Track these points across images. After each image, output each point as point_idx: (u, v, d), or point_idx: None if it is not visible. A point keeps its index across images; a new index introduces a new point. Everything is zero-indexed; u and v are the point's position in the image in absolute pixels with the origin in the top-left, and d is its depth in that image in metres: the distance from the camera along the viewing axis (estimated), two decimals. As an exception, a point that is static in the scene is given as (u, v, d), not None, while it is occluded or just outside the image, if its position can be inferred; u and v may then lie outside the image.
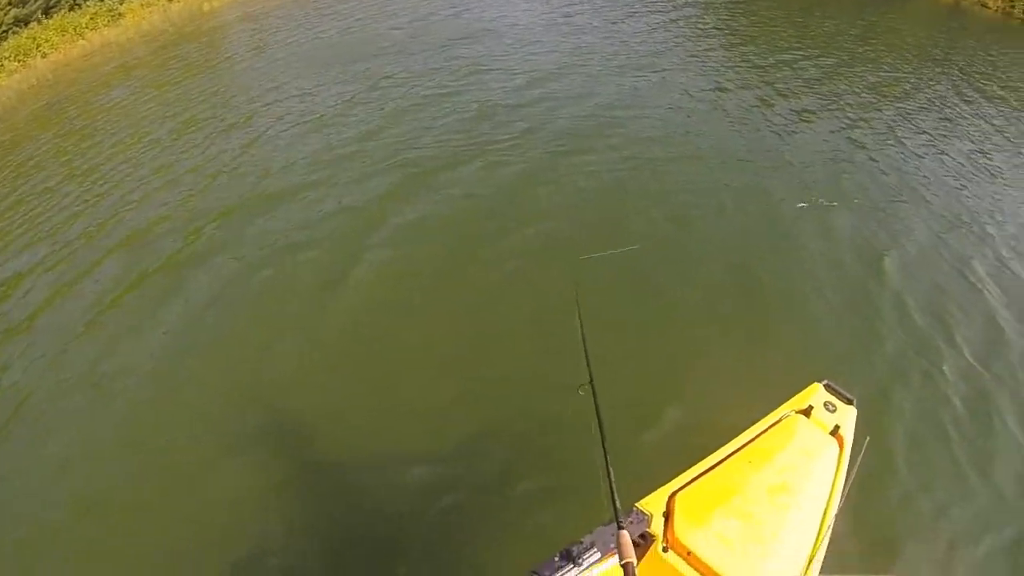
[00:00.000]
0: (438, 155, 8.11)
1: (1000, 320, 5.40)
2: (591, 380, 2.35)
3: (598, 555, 2.32)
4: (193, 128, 10.12)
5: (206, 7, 18.18)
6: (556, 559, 2.28)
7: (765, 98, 9.50)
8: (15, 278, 7.07)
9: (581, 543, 2.34)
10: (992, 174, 7.80)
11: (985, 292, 5.70)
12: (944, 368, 4.86)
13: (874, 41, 12.33)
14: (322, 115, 9.85)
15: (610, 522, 2.49)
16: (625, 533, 2.17)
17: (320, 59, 12.43)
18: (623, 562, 2.07)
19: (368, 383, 4.96)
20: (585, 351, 2.45)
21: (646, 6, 14.23)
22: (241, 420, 4.80)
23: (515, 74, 10.59)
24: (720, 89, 9.86)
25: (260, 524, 4.09)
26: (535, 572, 2.22)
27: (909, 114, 9.18)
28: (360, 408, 4.75)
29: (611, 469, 2.06)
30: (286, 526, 4.08)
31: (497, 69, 10.91)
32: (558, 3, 14.69)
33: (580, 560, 2.27)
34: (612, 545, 2.39)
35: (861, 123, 8.83)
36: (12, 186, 9.34)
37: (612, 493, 2.07)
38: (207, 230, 7.26)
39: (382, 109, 9.79)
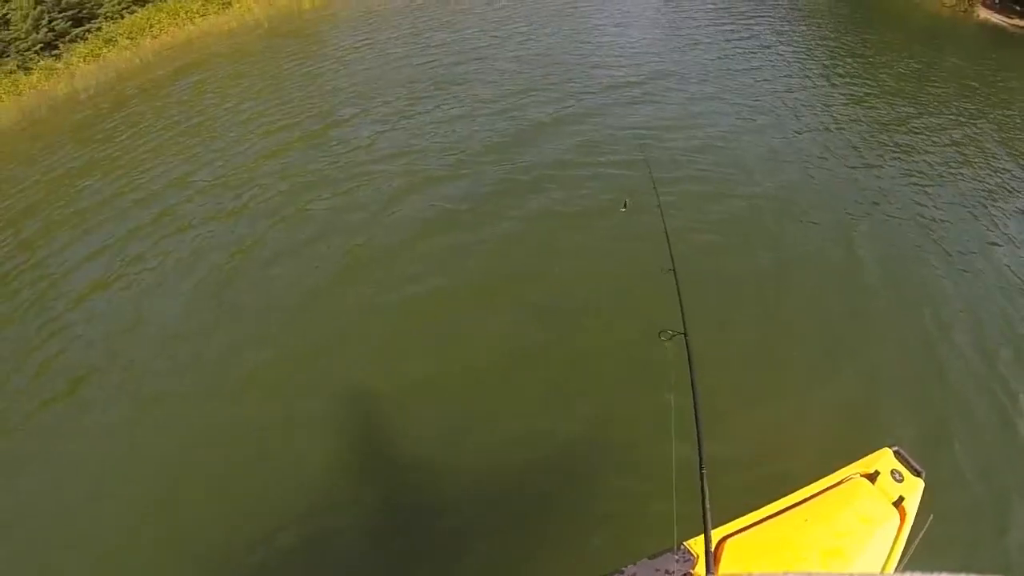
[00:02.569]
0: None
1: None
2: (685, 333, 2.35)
3: None
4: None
5: (306, 4, 18.85)
6: None
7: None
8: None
9: (622, 573, 2.31)
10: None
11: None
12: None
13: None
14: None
15: (656, 556, 2.45)
16: None
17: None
18: None
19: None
20: (680, 305, 2.43)
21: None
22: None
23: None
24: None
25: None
26: None
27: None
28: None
29: (706, 494, 2.01)
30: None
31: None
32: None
33: None
34: (654, 581, 2.36)
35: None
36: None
37: (707, 532, 1.97)
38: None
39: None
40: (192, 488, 4.66)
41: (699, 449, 2.23)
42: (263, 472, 4.67)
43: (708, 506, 1.99)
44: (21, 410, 5.54)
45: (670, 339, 2.55)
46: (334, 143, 9.69)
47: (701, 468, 2.24)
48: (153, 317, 6.46)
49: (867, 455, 3.15)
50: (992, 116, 9.87)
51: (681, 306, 2.64)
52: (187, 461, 4.87)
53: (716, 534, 2.61)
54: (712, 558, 2.18)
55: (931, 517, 2.94)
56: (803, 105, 10.25)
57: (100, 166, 9.67)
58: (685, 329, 2.44)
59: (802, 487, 2.92)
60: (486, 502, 4.16)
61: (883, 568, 2.74)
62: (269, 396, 5.36)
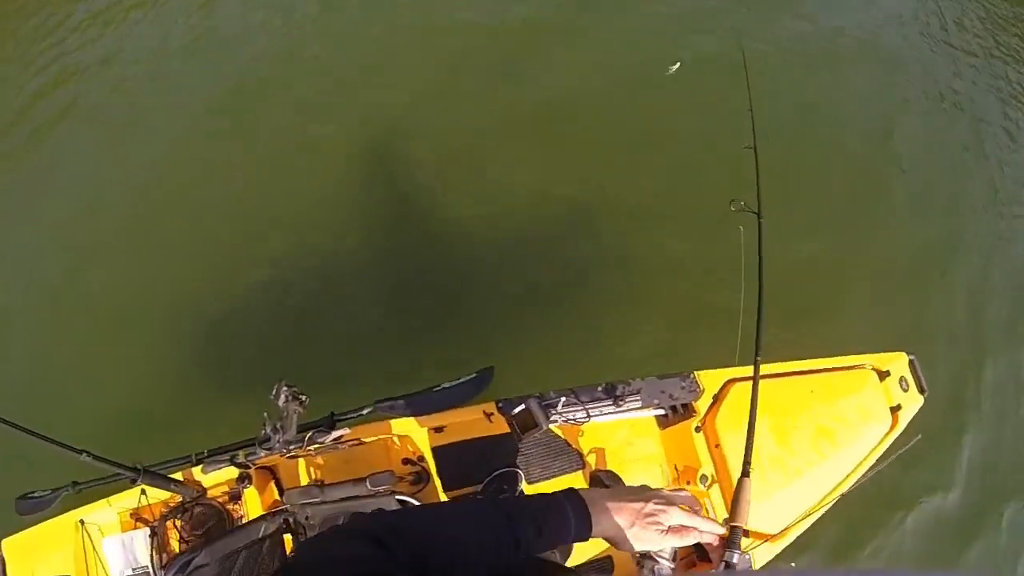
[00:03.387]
0: None
1: None
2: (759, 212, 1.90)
3: (638, 403, 2.03)
4: None
5: None
6: (599, 389, 2.00)
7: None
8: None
9: (628, 384, 2.04)
10: None
11: None
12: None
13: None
14: None
15: (664, 377, 2.14)
16: (748, 482, 1.56)
17: None
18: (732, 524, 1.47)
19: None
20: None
21: None
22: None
23: None
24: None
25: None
26: (572, 390, 1.95)
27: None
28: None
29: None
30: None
31: None
32: None
33: (620, 401, 1.98)
34: (655, 400, 2.09)
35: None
36: None
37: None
38: None
39: None
40: (182, 210, 4.12)
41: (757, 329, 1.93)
42: (260, 195, 4.12)
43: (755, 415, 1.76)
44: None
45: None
46: None
47: (756, 355, 1.96)
48: (141, 42, 5.27)
49: (886, 352, 2.89)
50: None
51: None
52: (178, 180, 4.26)
53: (725, 373, 2.35)
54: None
55: (919, 437, 2.73)
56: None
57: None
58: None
59: (818, 359, 2.64)
60: (505, 275, 3.78)
61: (857, 466, 2.59)
62: (271, 109, 4.58)
